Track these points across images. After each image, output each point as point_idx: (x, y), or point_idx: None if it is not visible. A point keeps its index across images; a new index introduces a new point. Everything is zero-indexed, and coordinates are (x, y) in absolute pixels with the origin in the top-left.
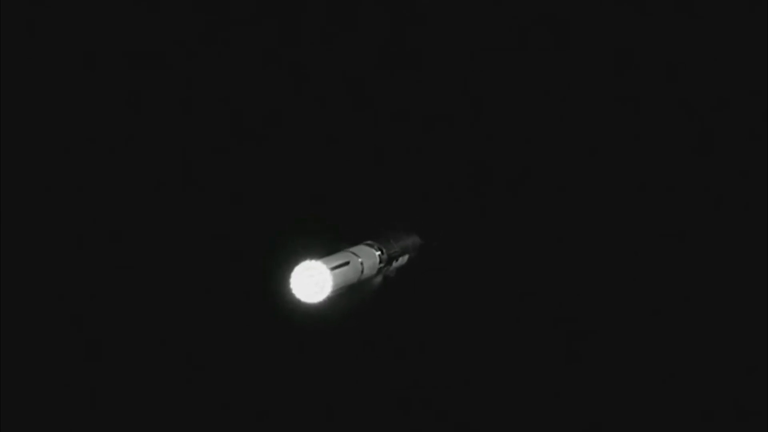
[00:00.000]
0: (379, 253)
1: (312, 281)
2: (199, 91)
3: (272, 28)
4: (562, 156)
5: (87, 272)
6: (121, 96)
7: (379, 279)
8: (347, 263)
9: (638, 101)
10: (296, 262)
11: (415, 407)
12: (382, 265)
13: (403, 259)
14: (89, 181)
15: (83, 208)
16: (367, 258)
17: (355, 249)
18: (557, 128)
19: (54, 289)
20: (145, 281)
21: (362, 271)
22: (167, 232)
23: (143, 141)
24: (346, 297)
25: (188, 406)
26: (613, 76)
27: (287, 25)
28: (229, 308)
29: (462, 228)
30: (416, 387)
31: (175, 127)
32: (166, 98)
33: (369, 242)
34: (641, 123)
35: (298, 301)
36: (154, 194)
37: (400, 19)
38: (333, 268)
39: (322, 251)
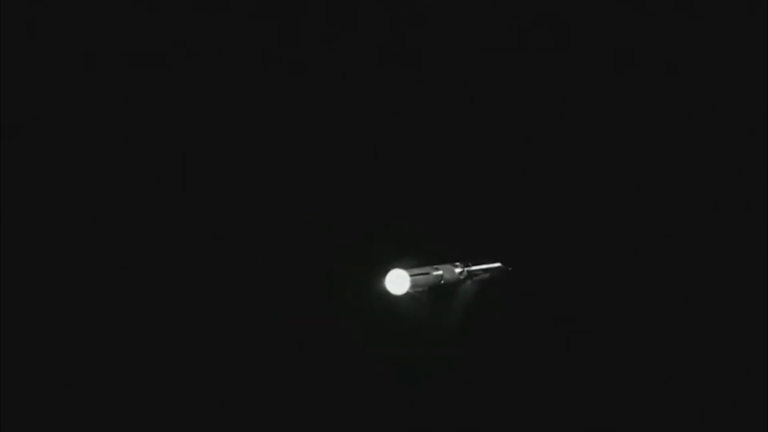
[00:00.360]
0: (459, 270)
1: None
2: (199, 91)
3: (272, 28)
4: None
5: (89, 272)
6: (121, 96)
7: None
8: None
9: (638, 101)
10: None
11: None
12: (462, 278)
13: (483, 275)
14: (89, 180)
15: (83, 207)
16: (447, 272)
17: (443, 266)
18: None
19: (54, 289)
20: (147, 282)
21: (442, 280)
22: (167, 232)
23: (143, 141)
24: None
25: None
26: (613, 76)
27: (287, 25)
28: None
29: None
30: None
31: (175, 127)
32: (166, 98)
33: (456, 263)
34: (641, 123)
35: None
36: (153, 194)
37: (400, 19)
38: (413, 275)
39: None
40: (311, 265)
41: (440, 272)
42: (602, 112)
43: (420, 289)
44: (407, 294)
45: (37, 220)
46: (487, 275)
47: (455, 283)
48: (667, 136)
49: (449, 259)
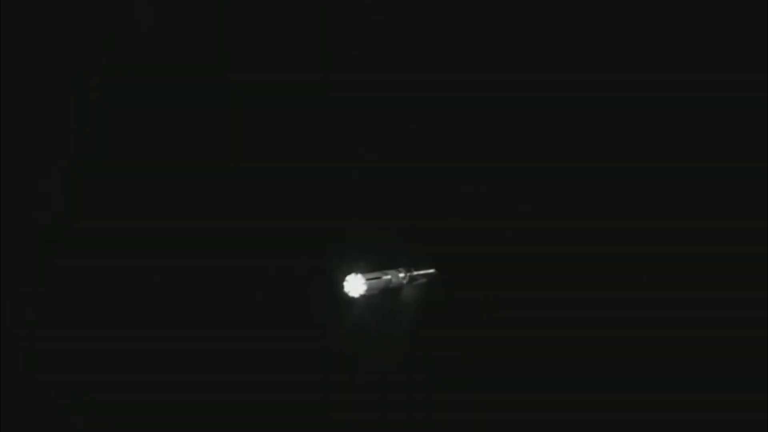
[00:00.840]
0: (402, 275)
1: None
2: (200, 91)
3: (272, 28)
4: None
5: (87, 272)
6: (121, 96)
7: (409, 286)
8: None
9: (638, 101)
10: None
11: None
12: (405, 282)
13: (421, 279)
14: (89, 180)
15: (83, 207)
16: (394, 276)
17: (389, 271)
18: (557, 128)
19: (55, 289)
20: (139, 284)
21: (391, 281)
22: (169, 233)
23: (142, 140)
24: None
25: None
26: (612, 75)
27: (287, 26)
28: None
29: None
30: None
31: (176, 128)
32: (165, 98)
33: (400, 268)
34: (641, 123)
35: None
36: (150, 194)
37: (400, 19)
38: (368, 279)
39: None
40: (269, 267)
41: (389, 277)
42: (602, 112)
43: (374, 292)
44: (362, 296)
45: (40, 220)
46: (424, 280)
47: (400, 287)
48: (667, 136)
49: (393, 265)
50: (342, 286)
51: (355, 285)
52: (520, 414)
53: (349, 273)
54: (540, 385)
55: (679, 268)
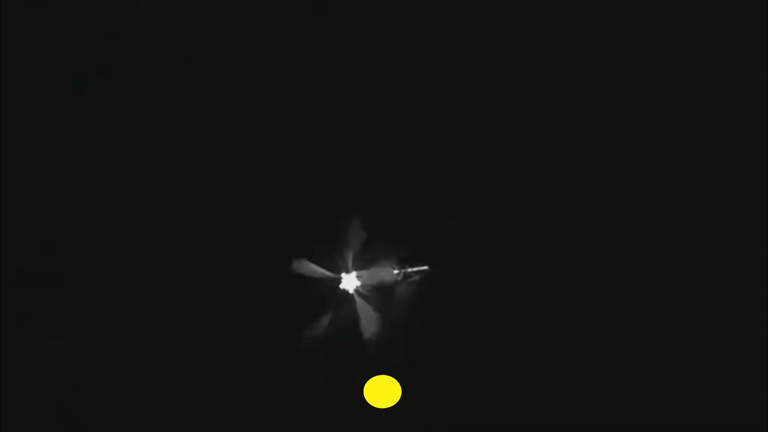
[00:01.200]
0: (396, 272)
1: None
2: (200, 91)
3: (272, 28)
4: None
5: (83, 272)
6: (123, 96)
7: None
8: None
9: (638, 101)
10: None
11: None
12: (399, 279)
13: (415, 276)
14: (88, 181)
15: (84, 208)
16: (387, 275)
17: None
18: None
19: (55, 290)
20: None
21: (384, 278)
22: (169, 233)
23: (144, 141)
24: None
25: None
26: (612, 75)
27: (287, 26)
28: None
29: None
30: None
31: (176, 128)
32: (166, 98)
33: (394, 266)
34: (641, 123)
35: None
36: (155, 195)
37: (400, 19)
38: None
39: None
40: (269, 267)
41: (383, 274)
42: (602, 112)
43: (369, 289)
44: (357, 293)
45: (43, 220)
46: (418, 277)
47: (393, 284)
48: (667, 136)
49: (387, 262)
50: (337, 283)
51: (349, 282)
52: (519, 414)
53: (345, 270)
54: (539, 385)
55: (679, 268)
